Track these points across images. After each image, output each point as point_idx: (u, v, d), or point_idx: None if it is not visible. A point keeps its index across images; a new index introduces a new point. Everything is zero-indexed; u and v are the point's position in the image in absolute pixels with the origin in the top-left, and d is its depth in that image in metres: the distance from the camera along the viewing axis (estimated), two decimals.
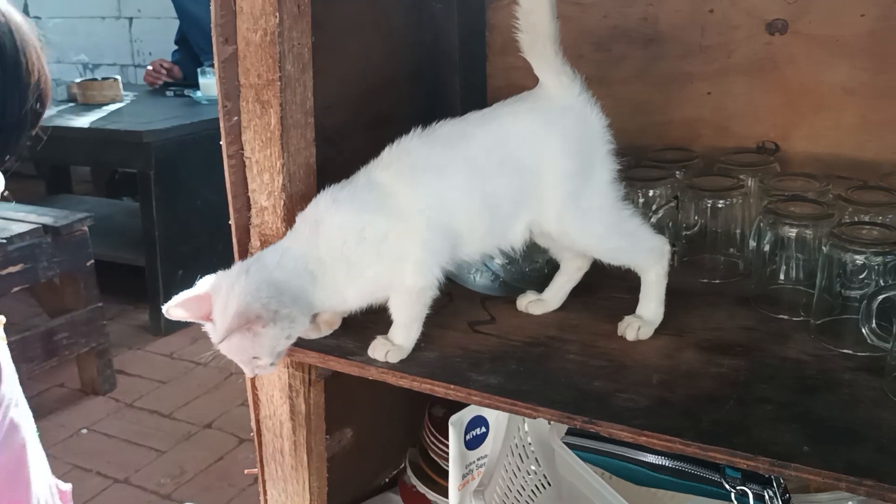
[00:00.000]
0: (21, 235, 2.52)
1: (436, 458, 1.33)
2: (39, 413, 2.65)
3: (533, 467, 1.18)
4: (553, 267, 1.12)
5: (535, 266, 1.23)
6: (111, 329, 2.95)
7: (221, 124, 1.03)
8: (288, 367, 1.06)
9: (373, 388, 1.38)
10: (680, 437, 0.80)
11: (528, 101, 1.02)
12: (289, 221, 1.01)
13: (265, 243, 1.05)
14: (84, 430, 2.62)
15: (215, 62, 1.00)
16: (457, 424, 1.13)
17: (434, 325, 1.02)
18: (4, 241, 2.47)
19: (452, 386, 0.92)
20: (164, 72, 4.03)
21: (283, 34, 0.96)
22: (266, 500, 1.17)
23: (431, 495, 1.32)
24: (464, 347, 1.00)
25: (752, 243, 1.12)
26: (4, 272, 2.48)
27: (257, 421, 1.13)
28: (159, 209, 3.23)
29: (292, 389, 1.08)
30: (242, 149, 1.04)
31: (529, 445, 1.17)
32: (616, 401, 0.87)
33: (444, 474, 1.30)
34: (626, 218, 1.03)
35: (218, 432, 2.60)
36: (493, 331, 1.05)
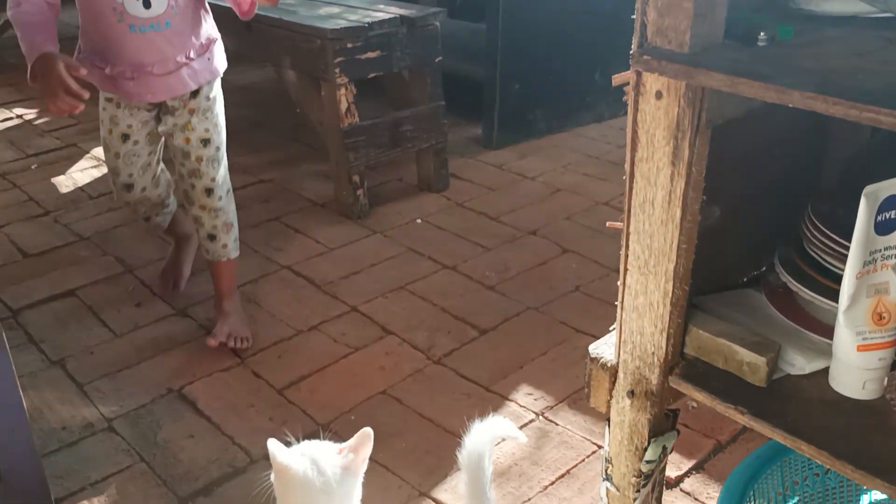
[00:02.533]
0: (380, 23, 2.60)
1: (816, 255, 1.15)
2: (379, 201, 2.83)
3: None
4: None
5: None
6: None
7: None
8: (679, 100, 0.93)
9: (749, 168, 1.22)
10: None
11: None
12: None
13: None
14: (419, 221, 2.75)
15: None
16: (870, 197, 0.93)
17: None
18: (366, 24, 2.56)
19: None
20: None
21: None
22: (627, 256, 1.08)
23: (806, 293, 1.15)
24: None
25: None
26: (364, 56, 2.60)
27: (631, 164, 1.02)
28: (504, 22, 3.19)
29: (679, 129, 0.95)
30: None
31: None
32: None
33: (826, 273, 1.12)
34: None
35: (542, 240, 2.59)
36: None
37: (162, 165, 2.13)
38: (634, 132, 1.01)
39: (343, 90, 2.59)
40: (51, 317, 2.23)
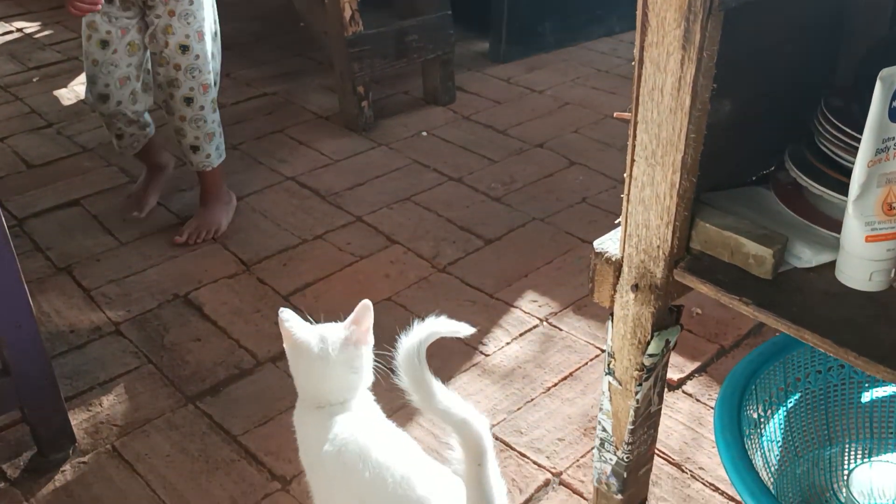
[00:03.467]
0: None
1: (828, 149, 1.13)
2: (385, 114, 2.79)
3: None
4: None
5: None
6: None
7: None
8: None
9: (761, 63, 1.19)
10: None
11: None
12: None
13: None
14: (424, 133, 2.71)
15: None
16: (886, 81, 0.91)
17: None
18: None
19: None
20: None
21: None
22: (634, 146, 1.06)
23: (815, 188, 1.13)
24: None
25: None
26: None
27: (640, 49, 0.99)
28: None
29: (691, 11, 0.92)
30: None
31: None
32: None
33: (837, 167, 1.11)
34: None
35: (549, 152, 2.56)
36: None
37: (145, 85, 2.09)
38: (644, 15, 0.98)
39: None
40: (56, 225, 2.23)
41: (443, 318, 1.02)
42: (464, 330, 1.05)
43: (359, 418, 1.15)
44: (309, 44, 3.32)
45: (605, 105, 2.87)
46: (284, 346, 1.17)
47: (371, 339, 1.18)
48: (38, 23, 3.80)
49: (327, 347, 1.14)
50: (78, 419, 1.57)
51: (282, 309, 1.16)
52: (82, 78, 3.18)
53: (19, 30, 3.74)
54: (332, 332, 1.15)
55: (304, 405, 1.20)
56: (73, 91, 3.08)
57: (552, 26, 3.38)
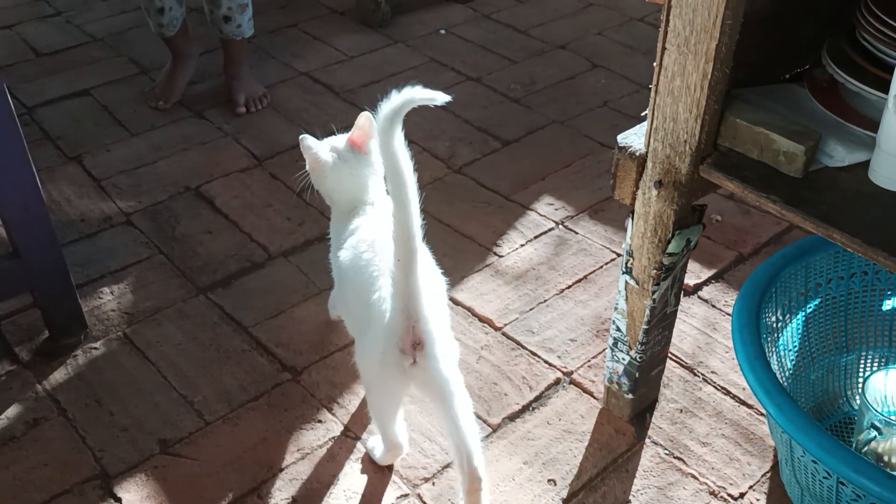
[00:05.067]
0: None
1: (869, 43, 1.07)
2: (402, 10, 2.70)
3: None
4: None
5: None
6: None
7: None
8: None
9: None
10: None
11: None
12: None
13: None
14: (442, 31, 2.63)
15: None
16: None
17: None
18: None
19: None
20: None
21: None
22: (666, 33, 1.00)
23: (853, 84, 1.08)
24: None
25: None
26: None
27: None
28: None
29: None
30: None
31: None
32: None
33: (878, 63, 1.05)
34: None
35: (571, 54, 2.48)
36: None
37: None
38: None
39: None
40: (66, 115, 2.19)
41: (418, 87, 1.00)
42: (440, 97, 1.04)
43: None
44: None
45: (630, 7, 2.77)
46: (308, 167, 1.33)
47: (375, 148, 1.31)
48: None
49: (339, 151, 1.30)
50: (89, 306, 1.57)
51: (303, 136, 1.31)
52: None
53: None
54: (339, 139, 1.33)
55: (338, 217, 1.33)
56: None
57: None
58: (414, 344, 1.07)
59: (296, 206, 1.84)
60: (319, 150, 1.30)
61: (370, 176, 1.31)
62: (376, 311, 1.10)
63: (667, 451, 1.30)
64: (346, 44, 2.55)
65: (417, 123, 2.13)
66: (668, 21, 1.00)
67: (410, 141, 2.14)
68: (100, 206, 1.85)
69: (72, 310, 1.48)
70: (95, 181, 1.93)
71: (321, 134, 1.37)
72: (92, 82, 2.33)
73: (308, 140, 1.31)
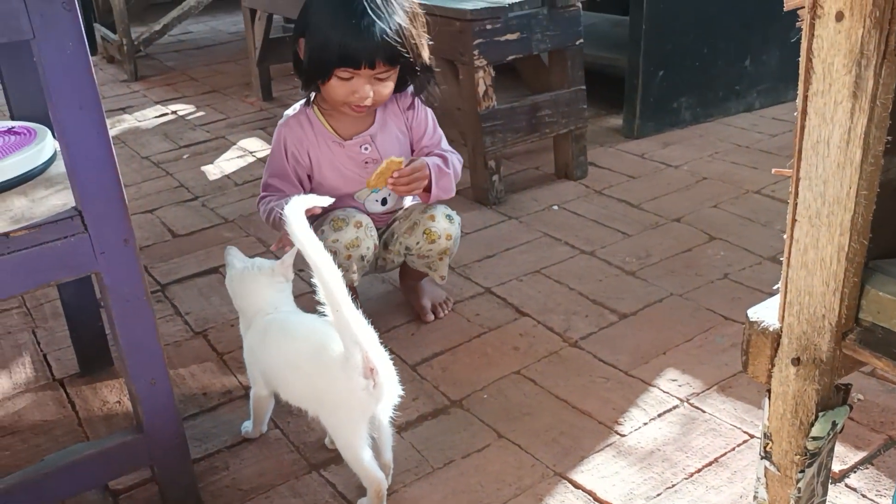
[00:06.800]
0: (520, 4, 2.55)
1: None
2: (515, 188, 2.78)
3: None
4: None
5: None
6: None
7: None
8: (865, 20, 0.82)
9: None
10: None
11: None
12: None
13: None
14: (555, 207, 2.67)
15: None
16: None
17: None
18: (507, 5, 2.52)
19: None
20: None
21: None
22: (796, 205, 0.97)
23: None
24: None
25: None
26: (503, 38, 2.55)
27: (804, 99, 0.91)
28: (649, 7, 3.06)
29: (863, 55, 0.84)
30: None
31: None
32: None
33: None
34: None
35: (687, 227, 2.46)
36: None
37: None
38: (808, 62, 0.90)
39: (481, 73, 2.55)
40: (195, 291, 2.30)
41: (308, 196, 1.35)
42: (324, 201, 1.42)
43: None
44: (440, 119, 3.37)
45: (746, 180, 2.75)
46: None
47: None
48: (192, 106, 4.06)
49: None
50: (205, 481, 1.57)
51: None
52: (228, 154, 3.36)
53: (173, 112, 4.00)
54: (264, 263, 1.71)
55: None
56: (219, 167, 3.24)
57: (688, 102, 3.30)
58: (370, 370, 1.34)
59: (411, 380, 1.82)
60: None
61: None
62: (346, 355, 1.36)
63: None
64: (462, 221, 2.61)
65: (531, 297, 2.12)
66: (796, 193, 0.97)
67: (524, 313, 2.13)
68: (221, 380, 1.89)
69: (188, 485, 1.47)
70: (219, 355, 1.99)
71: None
72: (221, 260, 2.46)
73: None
